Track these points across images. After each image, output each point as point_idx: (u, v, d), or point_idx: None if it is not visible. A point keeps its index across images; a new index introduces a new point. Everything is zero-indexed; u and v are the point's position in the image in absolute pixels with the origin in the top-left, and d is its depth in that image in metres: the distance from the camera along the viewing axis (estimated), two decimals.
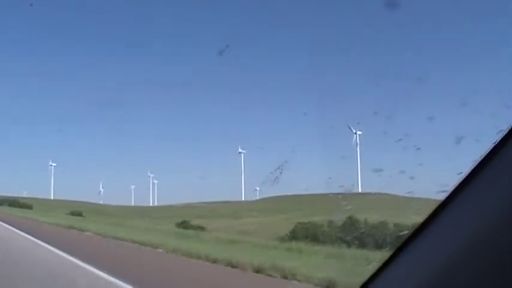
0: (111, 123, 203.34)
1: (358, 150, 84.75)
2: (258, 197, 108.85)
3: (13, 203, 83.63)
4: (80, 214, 53.42)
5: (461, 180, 1.37)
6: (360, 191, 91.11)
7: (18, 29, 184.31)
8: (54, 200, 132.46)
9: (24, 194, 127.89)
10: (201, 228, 33.66)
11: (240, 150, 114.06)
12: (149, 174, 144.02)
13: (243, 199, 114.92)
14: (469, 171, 1.36)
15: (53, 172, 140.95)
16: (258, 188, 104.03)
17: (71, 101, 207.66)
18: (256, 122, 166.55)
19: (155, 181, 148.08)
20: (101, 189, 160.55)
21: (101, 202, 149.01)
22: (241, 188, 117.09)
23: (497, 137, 1.33)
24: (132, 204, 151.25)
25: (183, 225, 38.21)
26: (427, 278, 1.40)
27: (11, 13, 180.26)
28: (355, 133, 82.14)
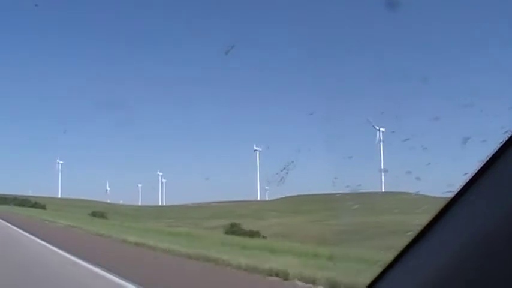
0: (117, 121, 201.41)
1: (381, 147, 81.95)
2: (272, 197, 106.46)
3: (23, 202, 79.37)
4: (103, 215, 49.34)
5: (467, 180, 1.37)
6: (383, 190, 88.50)
7: (26, 28, 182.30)
8: (61, 198, 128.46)
9: (30, 193, 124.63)
10: (254, 232, 29.42)
11: (255, 147, 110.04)
12: (158, 173, 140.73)
13: (258, 199, 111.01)
14: (475, 172, 1.36)
15: (60, 170, 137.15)
16: (267, 188, 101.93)
17: (76, 99, 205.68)
18: (263, 121, 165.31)
19: (164, 180, 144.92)
20: (108, 188, 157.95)
21: (108, 201, 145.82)
22: (255, 187, 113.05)
23: (504, 137, 1.34)
24: (140, 203, 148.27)
25: (233, 230, 33.93)
26: (433, 278, 1.39)
27: (18, 13, 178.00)
28: (378, 130, 79.14)
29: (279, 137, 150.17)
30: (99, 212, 52.73)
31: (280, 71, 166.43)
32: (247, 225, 67.41)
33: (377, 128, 78.49)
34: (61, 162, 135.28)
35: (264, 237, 29.83)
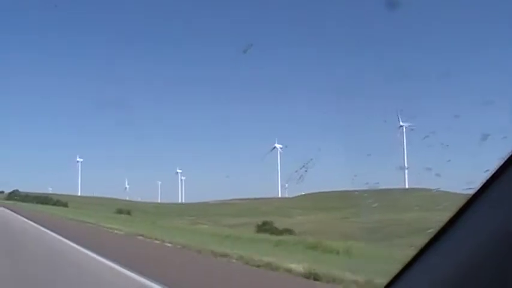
0: (136, 120, 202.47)
1: (404, 143, 79.67)
2: (291, 194, 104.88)
3: (45, 200, 78.73)
4: (128, 213, 48.11)
5: (488, 177, 1.34)
6: (406, 187, 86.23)
7: (42, 27, 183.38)
8: (82, 196, 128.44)
9: (50, 190, 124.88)
10: (289, 231, 27.50)
11: (276, 145, 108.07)
12: (177, 170, 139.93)
13: (279, 196, 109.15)
14: (496, 169, 1.33)
15: (80, 168, 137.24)
16: (287, 185, 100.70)
17: (96, 98, 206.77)
18: (282, 120, 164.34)
19: (183, 178, 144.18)
20: (127, 186, 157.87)
21: (127, 198, 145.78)
22: (274, 185, 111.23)
23: None
24: (159, 200, 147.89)
25: (265, 228, 32.10)
26: (452, 277, 1.37)
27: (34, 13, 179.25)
28: (402, 126, 76.81)
29: (297, 135, 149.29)
30: (125, 210, 51.29)
31: (300, 70, 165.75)
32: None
33: (401, 123, 76.57)
34: (81, 160, 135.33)
35: (296, 235, 27.94)
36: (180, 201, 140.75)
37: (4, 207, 50.34)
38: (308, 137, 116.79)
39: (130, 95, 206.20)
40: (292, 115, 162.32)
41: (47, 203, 71.48)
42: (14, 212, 39.13)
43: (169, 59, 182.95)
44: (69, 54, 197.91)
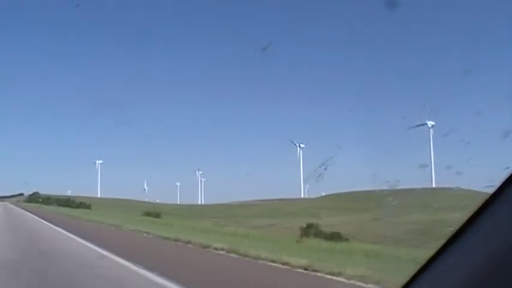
0: (154, 121, 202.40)
1: (431, 142, 76.81)
2: (312, 195, 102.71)
3: (67, 202, 77.08)
4: (157, 215, 46.04)
5: (508, 175, 1.32)
6: (433, 186, 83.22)
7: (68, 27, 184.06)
8: (102, 198, 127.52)
9: (69, 193, 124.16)
10: (337, 235, 25.14)
11: (297, 144, 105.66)
12: (197, 171, 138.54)
13: (301, 196, 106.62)
14: None
15: (99, 170, 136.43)
16: (307, 185, 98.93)
17: (113, 99, 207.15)
18: (300, 119, 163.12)
19: (203, 179, 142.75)
20: (146, 187, 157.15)
21: (146, 200, 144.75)
22: (294, 185, 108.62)
23: None
24: (178, 202, 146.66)
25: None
26: (470, 278, 1.33)
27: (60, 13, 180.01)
28: (426, 124, 74.10)
29: (317, 134, 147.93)
30: (152, 212, 49.10)
31: (320, 69, 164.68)
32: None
33: (429, 124, 73.87)
34: (100, 162, 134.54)
35: (346, 239, 25.52)
36: (199, 202, 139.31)
37: (31, 212, 45.66)
38: (327, 136, 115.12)
39: (148, 97, 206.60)
40: (311, 114, 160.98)
41: (69, 206, 69.57)
42: (44, 219, 31.20)
43: (189, 59, 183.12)
44: (88, 54, 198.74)
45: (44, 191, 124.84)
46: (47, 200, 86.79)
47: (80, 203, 75.68)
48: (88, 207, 70.70)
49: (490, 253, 1.29)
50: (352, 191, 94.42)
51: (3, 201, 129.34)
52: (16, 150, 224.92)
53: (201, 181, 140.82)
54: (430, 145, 74.88)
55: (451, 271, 1.41)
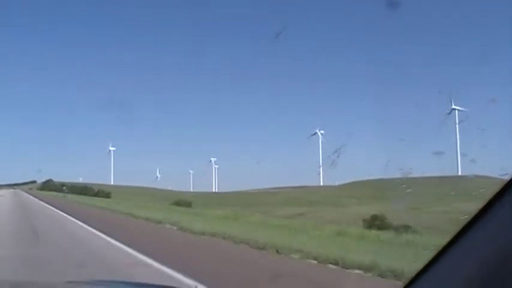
0: (165, 107, 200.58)
1: (457, 129, 73.43)
2: (326, 182, 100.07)
3: (84, 190, 73.75)
4: (189, 205, 43.22)
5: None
6: (459, 173, 79.99)
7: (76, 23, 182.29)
8: (114, 185, 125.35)
9: (80, 180, 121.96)
10: (405, 227, 22.33)
11: (317, 131, 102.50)
12: (211, 159, 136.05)
13: (321, 184, 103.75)
14: None
15: (112, 157, 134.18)
16: (321, 173, 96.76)
17: (126, 85, 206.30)
18: (314, 107, 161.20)
19: (216, 166, 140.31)
20: (158, 175, 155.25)
21: (158, 187, 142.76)
22: (308, 172, 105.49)
23: None
24: (191, 189, 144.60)
25: (375, 223, 26.89)
26: (481, 273, 1.28)
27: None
28: (454, 109, 70.73)
29: (329, 121, 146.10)
30: (184, 201, 46.02)
31: (332, 55, 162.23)
32: (329, 213, 60.72)
33: (453, 106, 70.57)
34: (113, 149, 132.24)
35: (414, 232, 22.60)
36: (213, 190, 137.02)
37: (57, 208, 30.48)
38: (341, 123, 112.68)
39: (161, 84, 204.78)
40: (325, 101, 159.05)
41: (85, 194, 66.36)
42: (80, 220, 20.47)
43: (204, 46, 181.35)
44: (104, 42, 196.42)
45: (56, 178, 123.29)
46: (61, 188, 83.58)
47: (99, 191, 72.05)
48: (107, 195, 66.71)
49: (496, 251, 1.21)
50: (371, 178, 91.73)
51: (14, 188, 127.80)
52: (27, 137, 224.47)
53: (214, 169, 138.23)
54: (456, 131, 71.73)
55: (456, 269, 1.33)
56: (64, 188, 75.47)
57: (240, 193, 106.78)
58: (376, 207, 66.25)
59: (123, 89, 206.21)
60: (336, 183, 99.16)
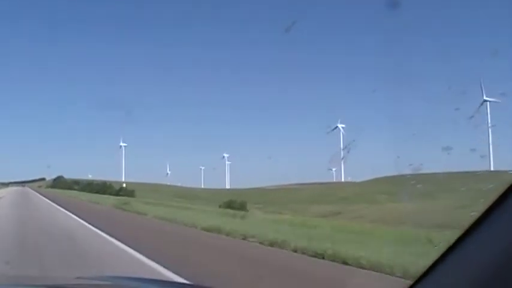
0: (176, 103, 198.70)
1: (489, 120, 69.45)
2: (338, 178, 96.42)
3: (103, 188, 68.03)
4: (241, 207, 38.68)
5: None
6: (491, 168, 76.08)
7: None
8: (126, 182, 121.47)
9: (90, 177, 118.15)
10: None
11: (338, 124, 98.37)
12: (224, 155, 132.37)
13: (342, 180, 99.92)
14: None
15: (124, 153, 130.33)
16: (334, 169, 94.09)
17: (137, 81, 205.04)
18: (325, 102, 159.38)
19: (229, 162, 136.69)
20: (168, 171, 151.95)
21: (168, 183, 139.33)
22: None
23: None
24: (202, 186, 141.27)
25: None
26: (484, 276, 1.25)
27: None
28: (486, 101, 66.95)
29: (340, 116, 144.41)
30: (237, 203, 41.49)
31: (343, 51, 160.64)
32: (368, 211, 56.94)
33: (485, 97, 66.77)
34: (124, 145, 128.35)
35: None
36: (226, 187, 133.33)
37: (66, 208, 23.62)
38: (351, 119, 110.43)
39: (171, 79, 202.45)
40: (335, 97, 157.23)
41: (104, 192, 61.06)
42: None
43: (216, 41, 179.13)
44: (114, 34, 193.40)
45: (64, 175, 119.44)
46: (72, 185, 79.17)
47: (121, 188, 65.88)
48: (130, 194, 59.84)
49: (502, 251, 1.18)
50: (394, 174, 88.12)
51: (23, 186, 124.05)
52: (36, 134, 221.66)
53: (227, 165, 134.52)
54: (487, 124, 67.84)
55: (463, 268, 1.31)
56: (76, 185, 70.37)
57: (256, 190, 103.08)
58: (411, 205, 62.61)
59: (132, 85, 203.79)
60: (358, 180, 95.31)
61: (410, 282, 1.51)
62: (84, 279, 3.37)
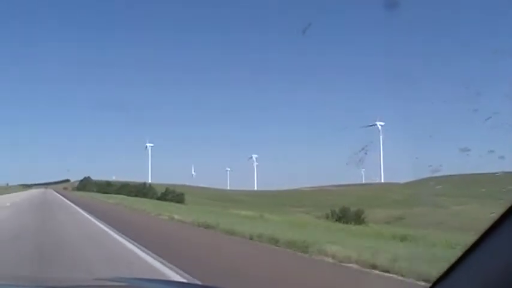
0: (201, 105, 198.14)
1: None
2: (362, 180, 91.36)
3: (142, 190, 62.31)
4: (357, 216, 32.68)
5: None
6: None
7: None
8: (153, 184, 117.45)
9: (113, 178, 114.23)
10: None
11: (377, 122, 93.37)
12: (253, 156, 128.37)
13: (382, 181, 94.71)
14: None
15: (150, 153, 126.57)
16: (363, 170, 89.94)
17: (162, 82, 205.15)
18: (341, 102, 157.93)
19: (256, 163, 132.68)
20: (193, 173, 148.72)
21: (194, 185, 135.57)
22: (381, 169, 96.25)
23: None
24: (228, 187, 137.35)
25: None
26: (503, 278, 1.22)
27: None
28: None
29: (355, 116, 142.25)
30: (351, 212, 34.88)
31: (358, 50, 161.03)
32: (437, 216, 51.99)
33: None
34: (151, 145, 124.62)
35: None
36: (255, 188, 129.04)
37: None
38: (367, 119, 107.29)
39: (197, 81, 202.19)
40: (351, 97, 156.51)
41: (145, 195, 55.42)
42: None
43: (242, 44, 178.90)
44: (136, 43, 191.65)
45: (90, 175, 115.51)
46: (108, 188, 74.47)
47: (166, 191, 57.79)
48: (179, 199, 52.00)
49: None
50: (456, 174, 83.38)
51: (46, 188, 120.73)
52: (58, 133, 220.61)
53: (255, 166, 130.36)
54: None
55: (481, 270, 1.28)
56: (113, 187, 63.99)
57: (292, 191, 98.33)
58: (476, 207, 57.43)
59: (153, 88, 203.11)
60: (402, 181, 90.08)
61: (427, 285, 1.42)
62: (100, 280, 3.30)
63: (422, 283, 5.64)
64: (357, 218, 31.09)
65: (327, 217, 32.07)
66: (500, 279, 1.20)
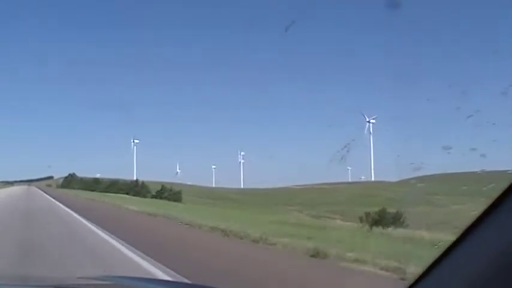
0: (187, 102, 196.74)
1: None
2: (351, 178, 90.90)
3: (134, 188, 60.00)
4: (398, 218, 30.55)
5: None
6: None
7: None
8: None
9: (98, 175, 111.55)
10: None
11: (369, 119, 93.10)
12: (239, 153, 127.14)
13: (372, 179, 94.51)
14: None
15: (135, 150, 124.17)
16: (349, 168, 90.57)
17: (145, 81, 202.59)
18: (332, 100, 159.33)
19: (242, 161, 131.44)
20: (178, 170, 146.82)
21: (179, 182, 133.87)
22: (371, 168, 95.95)
23: None
24: (213, 185, 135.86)
25: None
26: (481, 277, 1.22)
27: None
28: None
29: (339, 114, 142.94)
30: (389, 215, 32.60)
31: (347, 48, 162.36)
32: (439, 216, 51.60)
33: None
34: (137, 141, 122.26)
35: None
36: (241, 186, 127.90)
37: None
38: (349, 116, 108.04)
39: (183, 79, 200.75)
40: (335, 96, 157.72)
41: (137, 193, 53.21)
42: None
43: (229, 42, 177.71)
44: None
45: (76, 172, 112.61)
46: (96, 185, 72.08)
47: (162, 188, 54.04)
48: (176, 197, 48.62)
49: (500, 252, 1.16)
50: (452, 172, 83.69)
51: (29, 185, 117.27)
52: (41, 130, 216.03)
53: (242, 164, 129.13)
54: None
55: (460, 270, 1.28)
56: (101, 185, 61.29)
57: (282, 190, 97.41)
58: (477, 206, 57.31)
59: (139, 85, 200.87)
60: (395, 180, 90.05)
61: (409, 282, 1.47)
62: (86, 279, 3.24)
63: None
64: (396, 221, 29.48)
65: (361, 221, 30.06)
66: (481, 276, 1.18)
